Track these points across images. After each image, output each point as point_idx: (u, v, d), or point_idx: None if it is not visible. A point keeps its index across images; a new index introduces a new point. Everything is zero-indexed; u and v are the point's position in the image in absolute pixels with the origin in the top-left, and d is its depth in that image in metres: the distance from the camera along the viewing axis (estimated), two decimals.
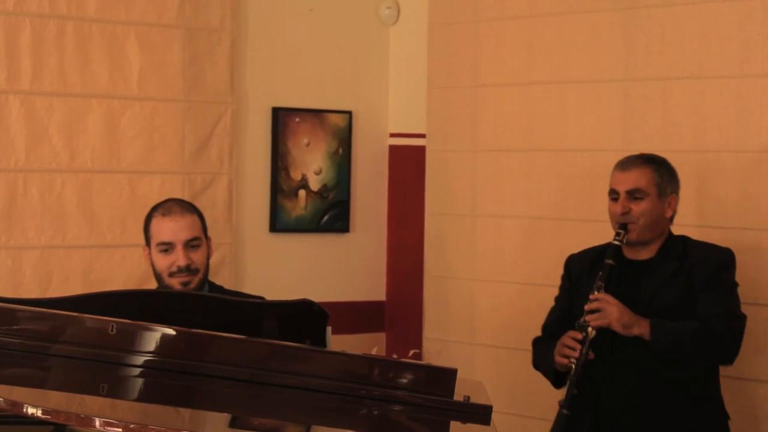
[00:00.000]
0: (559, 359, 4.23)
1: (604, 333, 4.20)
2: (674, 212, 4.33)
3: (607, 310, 4.18)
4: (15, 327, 3.24)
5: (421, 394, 3.11)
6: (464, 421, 3.09)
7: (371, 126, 5.95)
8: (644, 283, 4.26)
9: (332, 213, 5.85)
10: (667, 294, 4.21)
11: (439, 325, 5.74)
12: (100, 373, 3.19)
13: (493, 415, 3.10)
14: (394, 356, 5.77)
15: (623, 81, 5.09)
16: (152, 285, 5.27)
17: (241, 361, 3.17)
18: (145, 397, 3.22)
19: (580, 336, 4.19)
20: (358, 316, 5.89)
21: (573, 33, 5.26)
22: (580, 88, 5.24)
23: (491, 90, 5.55)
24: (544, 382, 4.44)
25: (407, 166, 5.94)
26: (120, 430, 2.73)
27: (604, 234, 4.79)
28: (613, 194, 4.32)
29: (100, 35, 5.21)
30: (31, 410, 2.81)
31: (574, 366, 4.16)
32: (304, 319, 3.38)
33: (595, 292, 4.22)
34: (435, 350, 5.73)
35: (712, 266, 4.21)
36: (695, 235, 4.46)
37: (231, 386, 3.15)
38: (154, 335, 3.20)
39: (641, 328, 4.15)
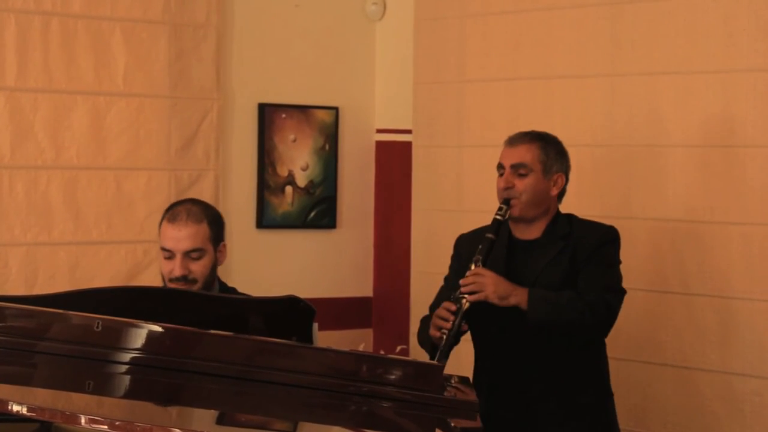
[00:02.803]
0: (432, 332, 4.21)
1: (490, 310, 4.16)
2: (561, 191, 4.28)
3: (482, 282, 4.15)
4: (0, 324, 3.23)
5: (408, 389, 3.12)
6: (450, 416, 3.10)
7: (358, 122, 5.94)
8: (530, 263, 4.23)
9: (319, 209, 5.84)
10: (551, 273, 4.18)
11: None
12: (85, 370, 3.18)
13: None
14: (381, 352, 5.77)
15: (609, 76, 5.09)
16: (139, 281, 5.28)
17: (228, 357, 3.17)
18: (131, 394, 3.22)
19: (454, 308, 4.17)
20: (345, 312, 5.89)
21: (559, 28, 5.26)
22: (566, 84, 5.24)
23: (477, 85, 5.54)
24: None
25: (394, 161, 5.93)
26: (106, 427, 2.73)
27: None
28: (500, 169, 4.29)
29: (85, 31, 5.20)
30: (16, 408, 2.80)
31: (445, 337, 4.13)
32: (291, 315, 3.38)
33: (472, 266, 4.19)
34: None
35: (593, 243, 4.19)
36: (686, 229, 4.45)
37: (218, 383, 3.14)
38: (141, 332, 3.19)
39: (518, 297, 4.12)
